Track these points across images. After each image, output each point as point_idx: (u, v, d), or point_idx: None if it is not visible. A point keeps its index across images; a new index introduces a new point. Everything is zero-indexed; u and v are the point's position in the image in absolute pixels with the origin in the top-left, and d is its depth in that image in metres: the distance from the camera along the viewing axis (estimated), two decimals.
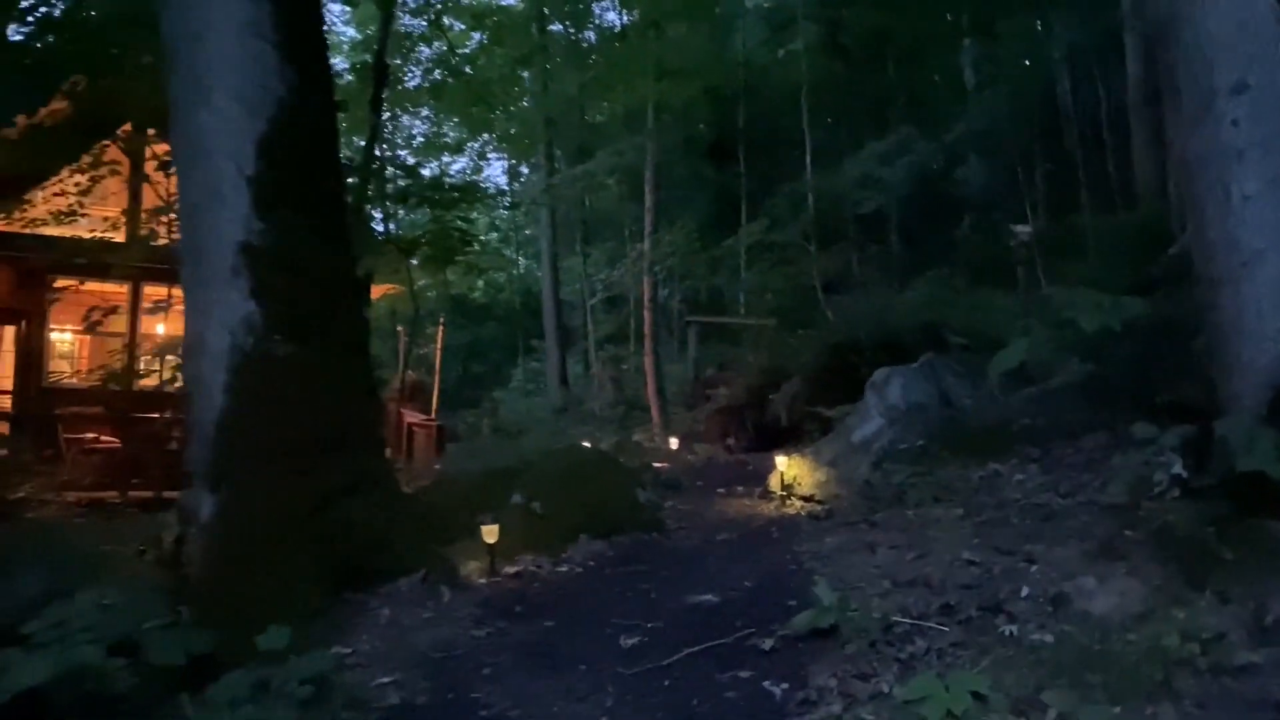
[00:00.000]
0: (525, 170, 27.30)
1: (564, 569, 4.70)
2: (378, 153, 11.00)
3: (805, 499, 6.28)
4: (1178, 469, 3.92)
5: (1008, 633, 3.15)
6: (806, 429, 9.74)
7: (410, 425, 15.04)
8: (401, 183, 8.13)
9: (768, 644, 3.39)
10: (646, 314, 14.94)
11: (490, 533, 4.49)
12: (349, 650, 3.69)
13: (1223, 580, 3.08)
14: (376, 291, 12.62)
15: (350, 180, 8.09)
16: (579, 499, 5.31)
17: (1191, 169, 3.78)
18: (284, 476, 4.15)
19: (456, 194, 8.29)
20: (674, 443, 11.47)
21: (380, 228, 11.59)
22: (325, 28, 5.69)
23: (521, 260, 30.50)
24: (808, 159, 15.16)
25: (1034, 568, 3.59)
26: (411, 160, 23.84)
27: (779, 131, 18.58)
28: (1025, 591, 3.40)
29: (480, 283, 28.35)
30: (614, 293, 20.54)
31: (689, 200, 20.63)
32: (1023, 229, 11.74)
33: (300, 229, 4.47)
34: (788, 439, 10.11)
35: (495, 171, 34.22)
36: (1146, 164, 12.57)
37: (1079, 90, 16.00)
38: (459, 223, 8.07)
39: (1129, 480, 4.13)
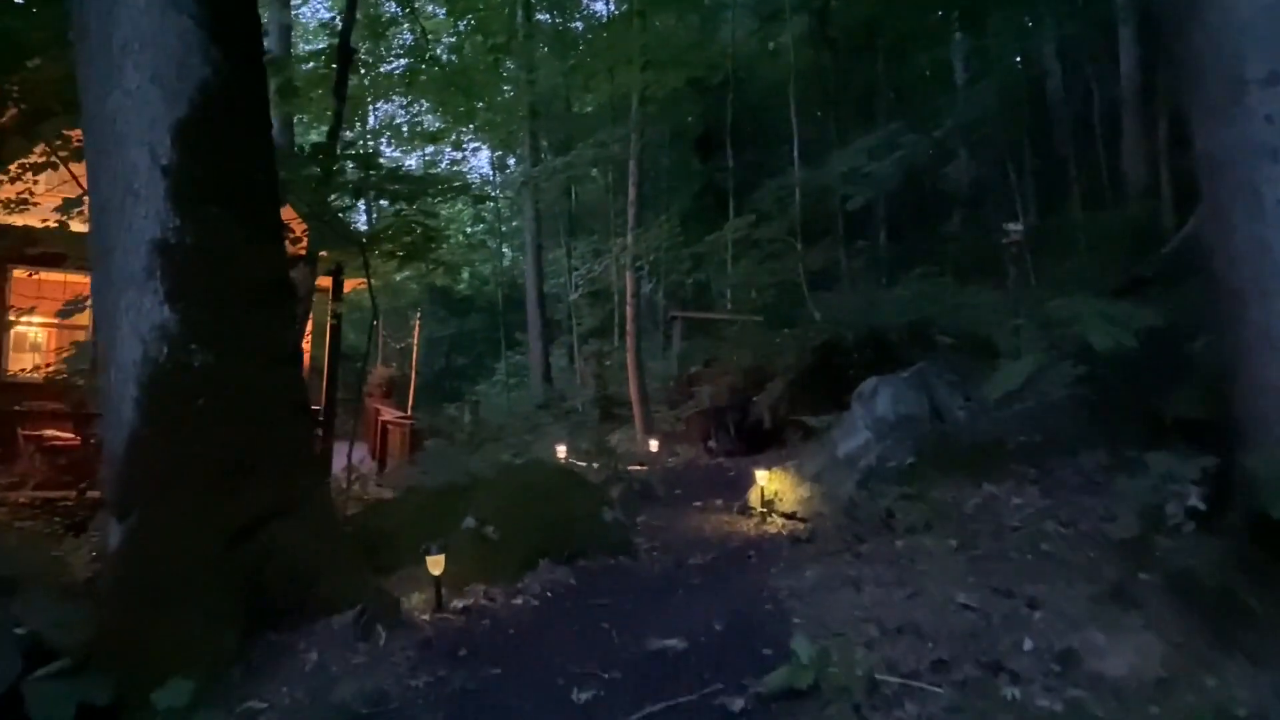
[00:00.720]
0: (512, 162, 26.77)
1: (519, 601, 4.28)
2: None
3: (787, 516, 5.88)
4: (1194, 501, 3.55)
5: (1009, 696, 2.76)
6: (790, 433, 9.36)
7: (384, 423, 14.55)
8: (363, 174, 7.63)
9: (737, 704, 2.98)
10: (629, 309, 14.47)
11: (435, 563, 4.06)
12: (264, 705, 3.26)
13: (1254, 639, 2.70)
14: (349, 285, 12.16)
15: (316, 169, 7.63)
16: (539, 520, 4.86)
17: (1216, 167, 3.38)
18: (200, 502, 3.70)
19: (416, 184, 7.79)
20: (653, 444, 11.05)
21: (362, 219, 11.09)
22: (306, 12, 5.22)
23: (507, 251, 29.94)
24: (795, 153, 14.75)
25: (1037, 614, 3.20)
26: (394, 151, 23.31)
27: (766, 125, 18.15)
28: (1028, 645, 3.01)
29: (465, 274, 27.82)
30: (596, 287, 20.08)
31: (675, 193, 20.20)
32: (1014, 227, 11.39)
33: (224, 226, 3.99)
34: (771, 442, 9.71)
35: (481, 163, 33.59)
36: (1138, 160, 12.26)
37: (1070, 85, 15.68)
38: (422, 216, 7.58)
39: (1138, 511, 3.75)
